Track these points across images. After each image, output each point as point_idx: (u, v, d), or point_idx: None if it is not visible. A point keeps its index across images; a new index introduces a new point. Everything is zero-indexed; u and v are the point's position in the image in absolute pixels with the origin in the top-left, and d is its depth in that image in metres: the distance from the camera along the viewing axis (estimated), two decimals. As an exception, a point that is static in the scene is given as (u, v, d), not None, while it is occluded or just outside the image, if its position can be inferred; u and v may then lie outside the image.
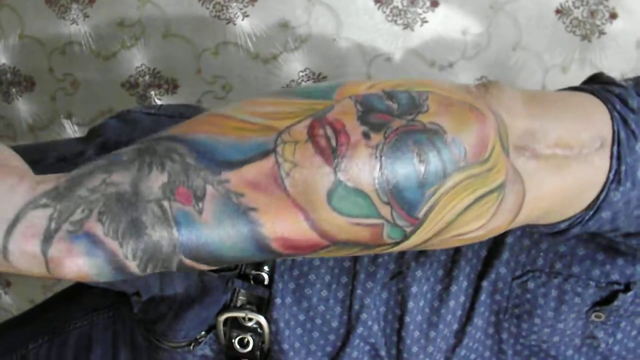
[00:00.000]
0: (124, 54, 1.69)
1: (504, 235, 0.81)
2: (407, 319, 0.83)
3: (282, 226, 0.46)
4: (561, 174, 0.60)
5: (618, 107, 0.62)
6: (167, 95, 1.70)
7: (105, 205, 0.43)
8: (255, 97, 0.51)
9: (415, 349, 0.83)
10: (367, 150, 0.47)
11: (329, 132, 0.47)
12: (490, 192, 0.53)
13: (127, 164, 0.45)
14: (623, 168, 0.60)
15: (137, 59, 1.69)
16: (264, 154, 0.45)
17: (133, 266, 0.44)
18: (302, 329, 0.86)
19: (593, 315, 0.79)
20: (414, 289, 0.82)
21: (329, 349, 0.87)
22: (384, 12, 1.54)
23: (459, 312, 0.83)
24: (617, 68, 1.53)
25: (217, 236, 0.44)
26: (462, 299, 0.83)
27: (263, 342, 0.88)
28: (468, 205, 0.53)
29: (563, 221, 0.64)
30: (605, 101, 0.62)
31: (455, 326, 0.83)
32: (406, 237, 0.51)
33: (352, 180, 0.46)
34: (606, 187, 0.61)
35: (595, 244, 0.77)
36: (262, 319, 0.87)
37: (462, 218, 0.53)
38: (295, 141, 0.47)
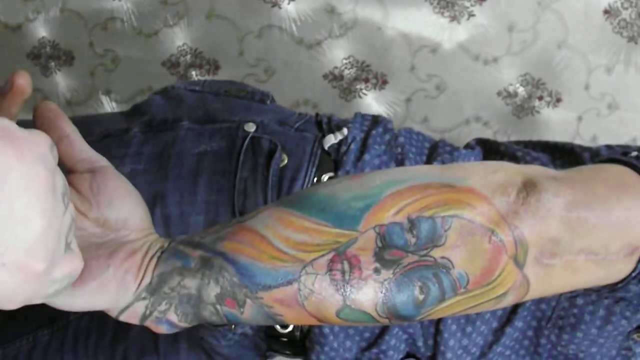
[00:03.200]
0: (166, 32, 1.69)
1: None
2: (446, 312, 0.83)
3: (300, 322, 0.60)
4: (576, 275, 0.60)
5: None
6: (208, 76, 1.70)
7: (180, 302, 0.58)
8: (294, 214, 0.60)
9: (451, 341, 0.83)
10: (375, 285, 0.56)
11: (346, 266, 0.56)
12: (487, 301, 0.58)
13: (194, 272, 0.58)
14: None
15: (179, 38, 1.69)
16: (290, 282, 0.57)
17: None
18: (342, 314, 0.86)
19: (636, 335, 0.79)
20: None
21: (367, 334, 0.87)
22: (432, 4, 1.54)
23: (499, 312, 0.83)
24: (662, 72, 1.52)
25: (254, 322, 0.59)
26: None
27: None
28: (463, 310, 0.58)
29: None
30: None
31: (494, 324, 0.83)
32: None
33: (357, 305, 0.56)
34: (626, 281, 0.62)
35: None
36: (304, 301, 0.87)
37: (456, 314, 0.60)
38: (316, 273, 0.57)
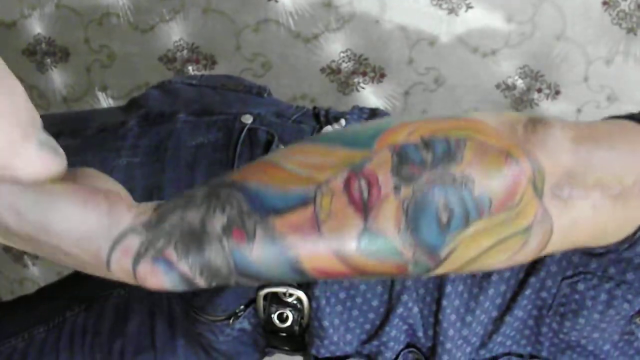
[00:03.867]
0: (162, 27, 1.69)
1: None
2: (445, 302, 0.82)
3: (316, 262, 0.54)
4: (596, 214, 0.59)
5: None
6: (205, 71, 1.69)
7: (181, 236, 0.53)
8: (304, 144, 0.58)
9: (451, 331, 0.83)
10: (395, 203, 0.53)
11: (363, 185, 0.54)
12: (514, 234, 0.56)
13: (199, 205, 0.54)
14: None
15: (175, 33, 1.69)
16: (305, 203, 0.53)
17: (200, 282, 0.54)
18: (342, 307, 0.86)
19: (638, 319, 0.78)
20: (452, 274, 0.82)
21: (367, 326, 0.87)
22: (429, -4, 1.53)
23: (498, 301, 0.82)
24: (661, 62, 1.51)
25: (264, 266, 0.54)
26: (502, 287, 0.82)
27: (302, 318, 0.88)
28: (490, 246, 0.56)
29: (598, 247, 0.63)
30: None
31: (494, 313, 0.83)
32: (429, 271, 0.56)
33: (378, 229, 0.53)
34: None
35: None
36: (302, 295, 0.87)
37: (484, 256, 0.56)
38: (332, 193, 0.54)
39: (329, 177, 0.54)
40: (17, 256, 2.05)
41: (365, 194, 0.53)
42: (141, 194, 0.90)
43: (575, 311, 0.79)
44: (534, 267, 0.81)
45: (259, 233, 0.53)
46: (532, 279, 0.80)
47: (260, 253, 0.53)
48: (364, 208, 0.53)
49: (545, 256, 0.80)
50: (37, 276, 2.06)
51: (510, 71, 1.57)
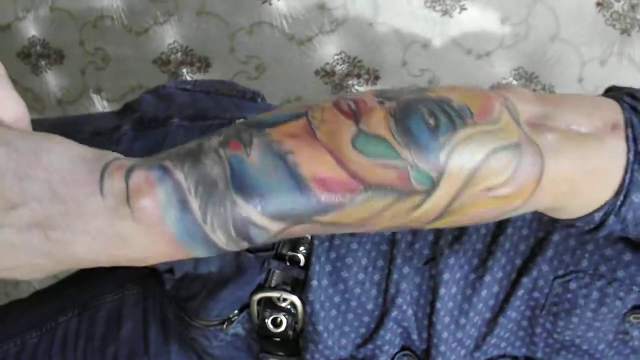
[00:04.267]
0: (157, 30, 1.69)
1: (550, 233, 0.80)
2: (439, 305, 0.82)
3: (315, 165, 0.53)
4: (579, 151, 0.59)
5: (627, 99, 0.63)
6: (199, 74, 1.69)
7: (177, 156, 0.52)
8: None
9: (445, 334, 0.83)
10: (383, 111, 0.54)
11: (351, 102, 0.55)
12: (505, 148, 0.55)
13: (196, 137, 0.55)
14: None
15: (169, 36, 1.68)
16: (298, 117, 0.55)
17: (193, 201, 0.52)
18: (337, 311, 0.86)
19: (632, 317, 0.78)
20: (445, 276, 0.82)
21: (362, 330, 0.87)
22: (423, -2, 1.53)
23: (491, 302, 0.82)
24: (656, 64, 1.51)
25: (262, 172, 0.52)
26: (495, 289, 0.82)
27: (296, 323, 0.88)
28: (486, 155, 0.55)
29: (596, 212, 0.62)
30: (613, 97, 0.64)
31: (487, 315, 0.83)
32: (434, 184, 0.54)
33: (370, 129, 0.54)
34: (629, 169, 0.60)
35: None
36: (297, 300, 0.86)
37: (484, 168, 0.55)
38: (322, 109, 0.55)
39: (319, 103, 0.56)
40: (12, 259, 2.04)
41: (354, 106, 0.55)
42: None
43: (568, 311, 0.79)
44: (526, 266, 0.81)
45: (255, 141, 0.53)
46: (525, 280, 0.80)
47: (257, 157, 0.52)
48: (355, 115, 0.54)
49: (536, 256, 0.80)
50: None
51: (504, 73, 1.57)
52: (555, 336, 0.81)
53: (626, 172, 0.60)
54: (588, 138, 0.60)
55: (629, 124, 0.61)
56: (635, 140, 0.61)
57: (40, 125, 0.54)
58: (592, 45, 1.52)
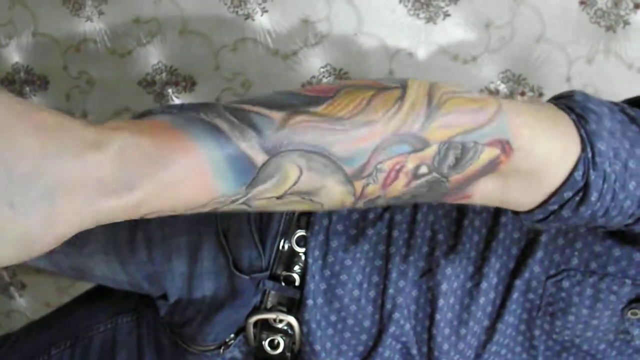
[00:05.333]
0: (140, 51, 1.68)
1: (538, 233, 0.80)
2: (438, 316, 0.82)
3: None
4: (532, 107, 0.60)
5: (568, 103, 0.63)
6: (184, 93, 1.68)
7: None
8: None
9: (446, 346, 0.83)
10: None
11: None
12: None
13: None
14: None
15: (153, 57, 1.68)
16: None
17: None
18: (333, 330, 0.85)
19: (629, 312, 0.77)
20: (444, 287, 0.82)
21: (360, 348, 0.86)
22: (406, 6, 1.52)
23: (489, 309, 0.82)
24: (643, 59, 1.51)
25: None
26: (492, 295, 0.82)
27: (294, 343, 0.87)
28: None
29: (574, 171, 0.59)
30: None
31: (485, 323, 0.83)
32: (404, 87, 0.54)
33: None
34: (578, 124, 0.61)
35: (632, 245, 0.76)
36: (293, 320, 0.86)
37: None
38: None
39: None
40: (3, 287, 2.03)
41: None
42: (126, 224, 0.89)
43: (563, 309, 0.79)
44: (518, 269, 0.81)
45: None
46: (518, 282, 0.81)
47: None
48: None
49: (526, 257, 0.80)
50: (24, 307, 2.04)
51: (492, 76, 1.56)
52: (554, 336, 0.81)
53: (577, 127, 0.60)
54: (540, 107, 0.61)
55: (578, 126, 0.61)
56: (572, 109, 0.62)
57: None
58: (577, 43, 1.51)
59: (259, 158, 0.48)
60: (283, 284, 0.87)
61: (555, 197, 0.60)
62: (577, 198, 0.60)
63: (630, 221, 0.64)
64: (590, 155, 0.59)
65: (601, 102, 0.64)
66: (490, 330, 0.83)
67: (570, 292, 0.78)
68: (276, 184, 0.49)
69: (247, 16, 1.58)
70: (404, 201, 0.56)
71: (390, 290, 0.83)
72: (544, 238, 0.79)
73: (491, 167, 0.56)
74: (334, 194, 0.52)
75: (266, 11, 1.57)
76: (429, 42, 1.54)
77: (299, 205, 0.52)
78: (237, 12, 1.58)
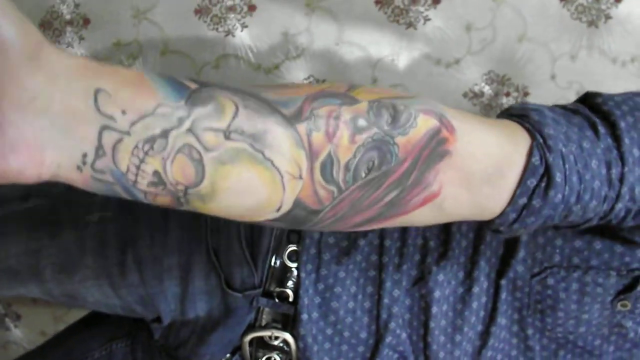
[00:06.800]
0: (123, 74, 1.67)
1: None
2: (432, 324, 0.82)
3: None
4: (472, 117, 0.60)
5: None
6: (170, 113, 1.68)
7: None
8: None
9: (442, 354, 0.82)
10: None
11: None
12: None
13: None
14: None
15: (136, 79, 1.67)
16: None
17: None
18: (330, 343, 0.85)
19: (619, 305, 0.77)
20: (436, 294, 0.81)
21: (357, 360, 0.86)
22: (385, 13, 1.52)
23: (482, 313, 0.82)
24: (625, 52, 1.51)
25: None
26: (484, 299, 0.82)
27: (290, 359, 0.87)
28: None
29: (532, 157, 0.60)
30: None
31: (479, 327, 0.82)
32: None
33: None
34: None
35: (611, 238, 0.76)
36: (288, 337, 0.85)
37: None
38: None
39: None
40: (-1, 319, 2.02)
41: None
42: (115, 247, 0.88)
43: (552, 306, 0.79)
44: (503, 269, 0.81)
45: None
46: (504, 282, 0.81)
47: None
48: None
49: (509, 258, 0.81)
50: (20, 338, 2.02)
51: (475, 78, 1.56)
52: (547, 334, 0.81)
53: (521, 123, 0.62)
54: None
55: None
56: (511, 114, 0.65)
57: (13, 185, 0.51)
58: (560, 41, 1.51)
59: (192, 86, 0.49)
60: (277, 300, 0.86)
61: (520, 187, 0.60)
62: (543, 184, 0.60)
63: (606, 207, 0.63)
64: (541, 140, 0.60)
65: (539, 104, 0.66)
66: (485, 334, 0.82)
67: (557, 288, 0.78)
68: (214, 111, 0.49)
69: (228, 32, 1.58)
70: (366, 180, 0.55)
71: (385, 300, 0.83)
72: (524, 237, 0.79)
73: (438, 143, 0.55)
74: (281, 141, 0.50)
75: (246, 26, 1.57)
76: (410, 48, 1.54)
77: (252, 166, 0.50)
78: (217, 29, 1.58)
